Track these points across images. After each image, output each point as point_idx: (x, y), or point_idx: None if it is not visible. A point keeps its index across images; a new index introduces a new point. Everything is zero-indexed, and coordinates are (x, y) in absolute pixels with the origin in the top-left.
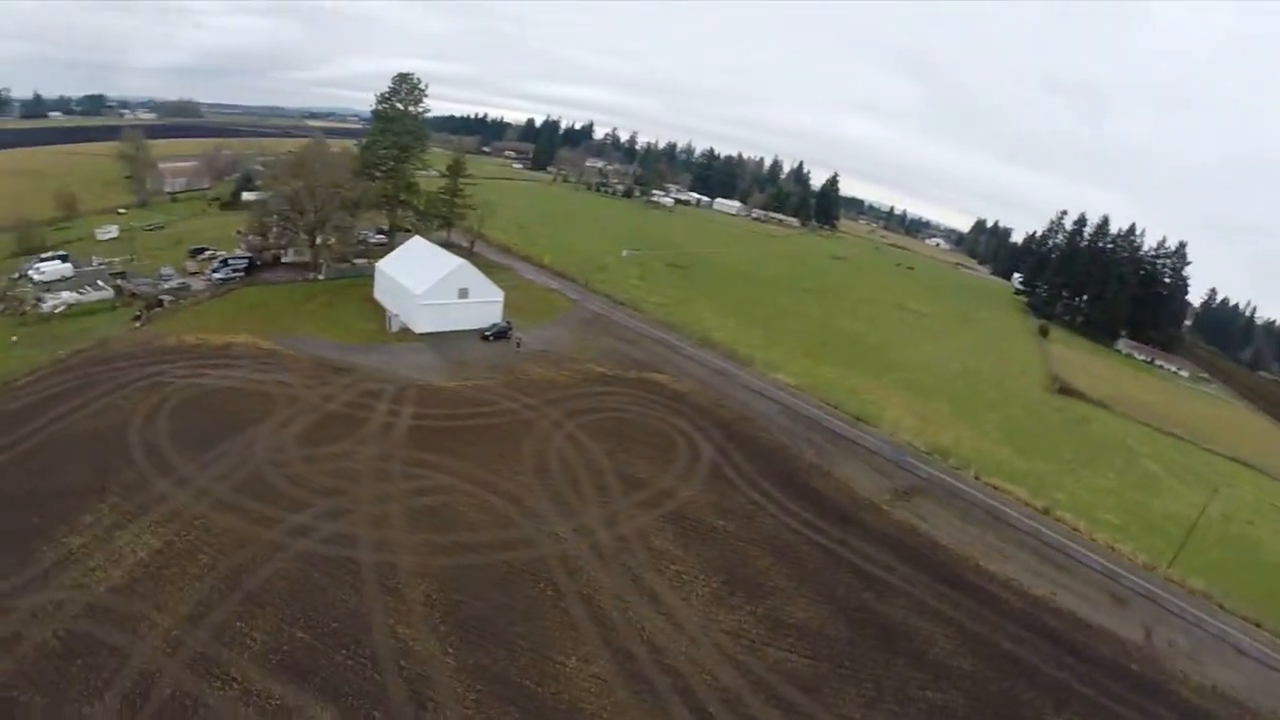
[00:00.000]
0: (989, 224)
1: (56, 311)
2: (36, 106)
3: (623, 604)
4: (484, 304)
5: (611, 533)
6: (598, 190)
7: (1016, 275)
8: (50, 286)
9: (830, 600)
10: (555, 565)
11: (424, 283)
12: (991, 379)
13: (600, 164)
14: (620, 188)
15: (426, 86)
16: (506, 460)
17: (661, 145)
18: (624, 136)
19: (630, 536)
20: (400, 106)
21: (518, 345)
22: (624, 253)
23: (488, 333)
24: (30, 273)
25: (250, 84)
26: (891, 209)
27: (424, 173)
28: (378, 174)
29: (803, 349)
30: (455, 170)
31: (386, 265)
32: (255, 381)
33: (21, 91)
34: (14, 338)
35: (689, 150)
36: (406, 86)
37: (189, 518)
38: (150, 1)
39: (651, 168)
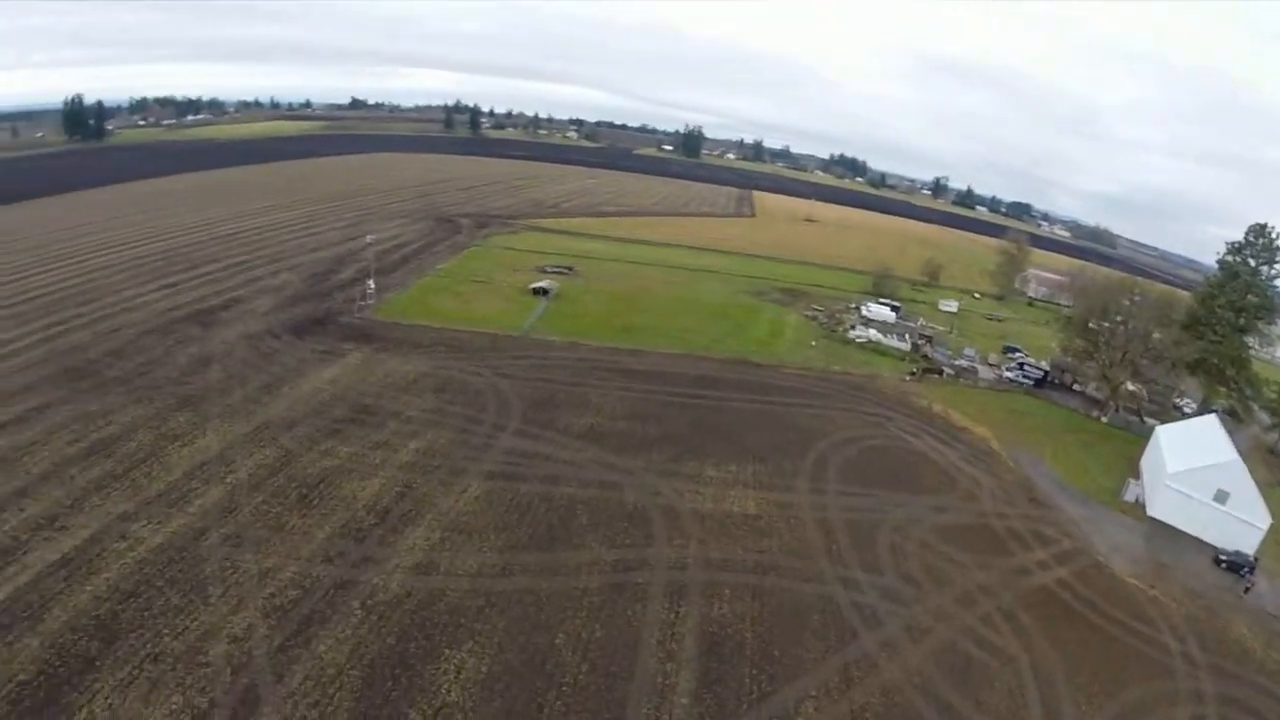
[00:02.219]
0: None
1: (856, 341)
2: (966, 198)
3: None
4: (1239, 521)
5: None
6: None
7: None
8: (868, 322)
9: None
10: None
11: (1182, 462)
12: None
13: None
14: None
15: None
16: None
17: None
18: None
19: None
20: (1250, 263)
21: (1247, 589)
22: None
23: (1223, 557)
24: (861, 307)
25: (1169, 228)
26: None
27: (1271, 351)
28: (1210, 335)
29: None
30: None
31: (1164, 431)
32: (953, 467)
33: (958, 183)
34: (814, 342)
35: None
36: (1262, 241)
37: (793, 512)
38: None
39: None
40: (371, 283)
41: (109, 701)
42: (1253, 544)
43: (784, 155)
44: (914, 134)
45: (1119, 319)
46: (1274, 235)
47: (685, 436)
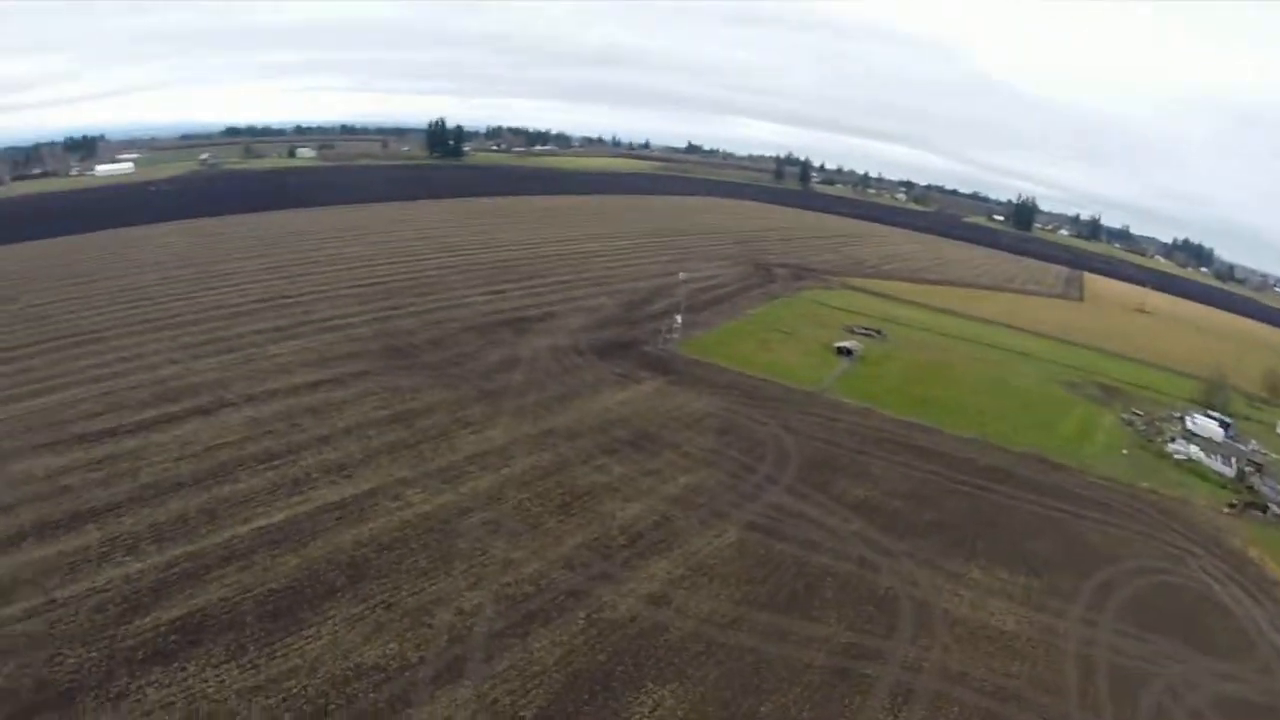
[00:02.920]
0: None
1: (1174, 456)
2: None
3: None
4: None
5: None
6: None
7: None
8: (1190, 437)
9: None
10: None
11: None
12: None
13: None
14: None
15: None
16: None
17: None
18: None
19: None
20: None
21: None
22: None
23: None
24: (1186, 418)
25: None
26: None
27: None
28: None
29: None
30: None
31: None
32: (1257, 628)
33: None
34: (1125, 451)
35: None
36: None
37: (1051, 635)
38: None
39: None
40: (679, 318)
41: (335, 629)
42: None
43: (1122, 235)
44: (1276, 225)
45: None
46: None
47: (960, 528)
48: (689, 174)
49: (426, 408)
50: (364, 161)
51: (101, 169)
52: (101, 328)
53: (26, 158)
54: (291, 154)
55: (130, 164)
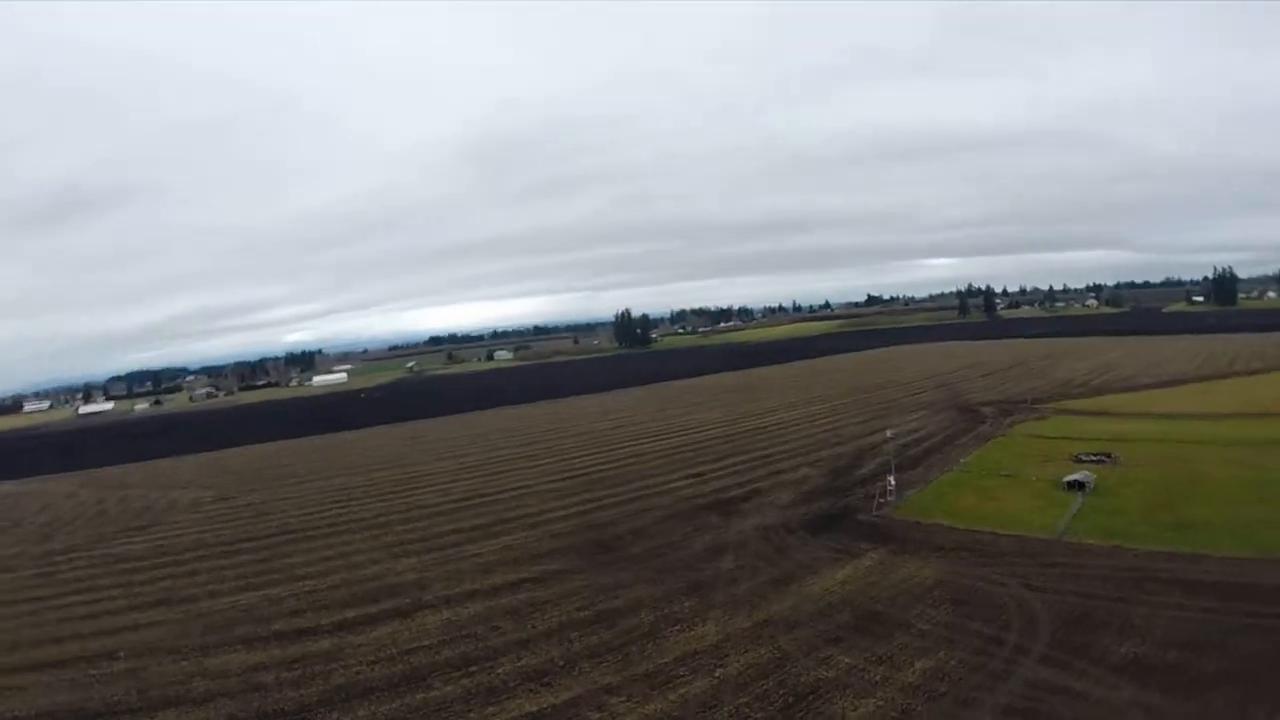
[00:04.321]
0: None
1: None
2: None
3: None
4: None
5: None
6: None
7: None
8: None
9: None
10: None
11: None
12: None
13: None
14: None
15: None
16: None
17: None
18: None
19: None
20: None
21: None
22: None
23: None
24: None
25: None
26: None
27: None
28: None
29: None
30: None
31: None
32: None
33: None
34: None
35: None
36: None
37: None
38: None
39: None
40: (892, 479)
41: None
42: None
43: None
44: None
45: None
46: None
47: (1256, 675)
48: (873, 326)
49: (631, 605)
50: (558, 358)
51: (319, 379)
52: (309, 526)
53: (252, 370)
54: (490, 357)
55: (344, 374)
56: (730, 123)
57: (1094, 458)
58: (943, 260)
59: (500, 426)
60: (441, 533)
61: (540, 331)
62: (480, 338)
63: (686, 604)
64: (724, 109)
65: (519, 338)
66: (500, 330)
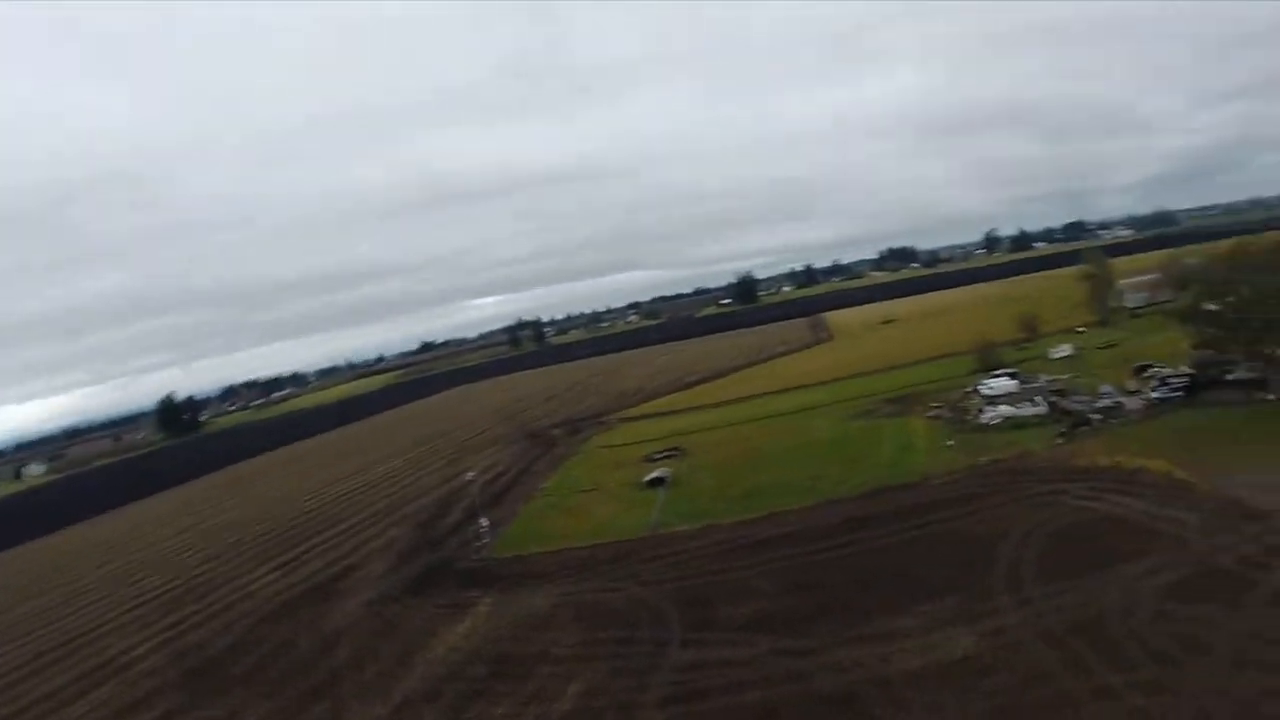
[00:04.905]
0: None
1: (992, 424)
2: (1021, 241)
3: None
4: None
5: None
6: None
7: None
8: (994, 400)
9: None
10: None
11: None
12: None
13: None
14: None
15: None
16: None
17: None
18: None
19: None
20: None
21: None
22: None
23: None
24: (980, 387)
25: (1229, 179)
26: None
27: None
28: None
29: None
30: None
31: None
32: (1149, 516)
33: (1009, 229)
34: (950, 442)
35: None
36: None
37: (1009, 638)
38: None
39: None
40: (484, 519)
41: None
42: None
43: (836, 270)
44: (952, 200)
45: (1243, 288)
46: None
47: (858, 591)
48: (430, 372)
49: None
50: (100, 462)
51: None
52: None
53: None
54: (17, 475)
55: None
56: (287, 170)
57: (664, 454)
58: (492, 299)
59: (52, 561)
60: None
61: (75, 434)
62: (2, 453)
63: (316, 711)
64: (279, 157)
65: (50, 445)
66: (25, 441)
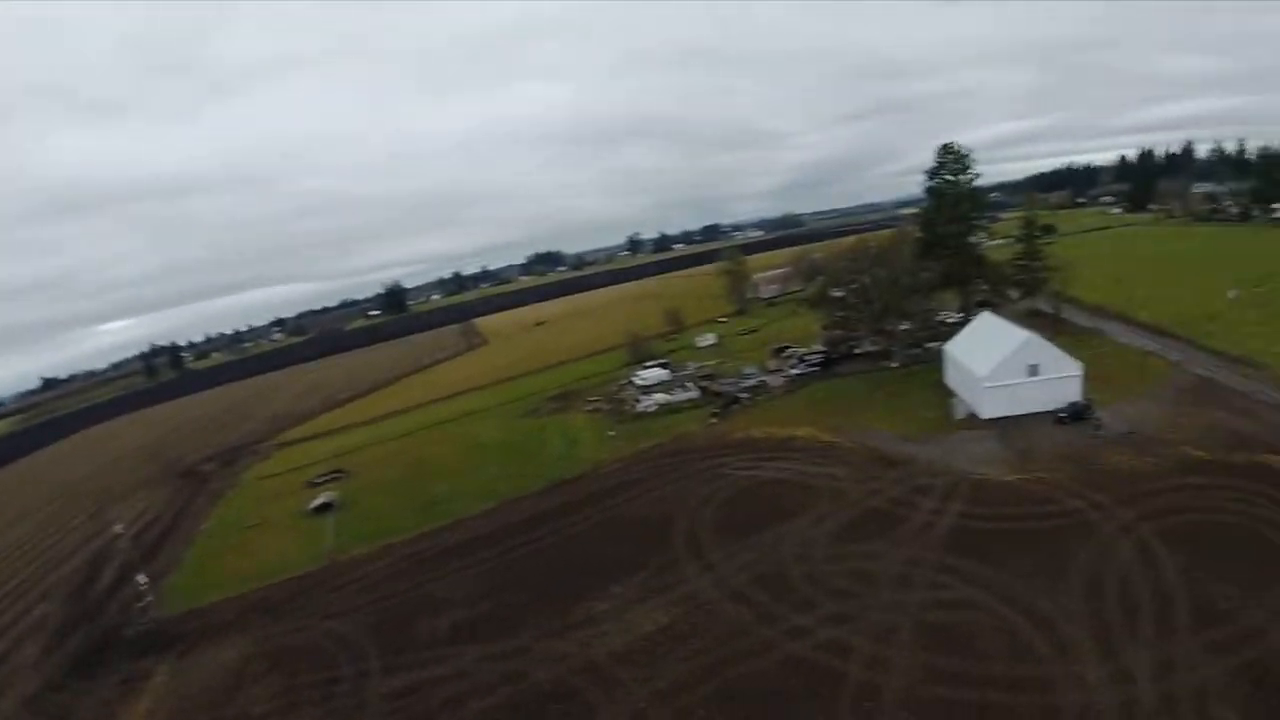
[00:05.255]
0: None
1: (649, 411)
2: (662, 242)
3: None
4: (1058, 380)
5: (1158, 687)
6: (1209, 219)
7: None
8: (649, 389)
9: None
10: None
11: (988, 363)
12: None
13: (1208, 187)
14: (1235, 210)
15: (970, 153)
16: (1052, 574)
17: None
18: (1230, 147)
19: (1183, 696)
20: (950, 179)
21: (1096, 427)
22: (1231, 293)
23: (1063, 414)
24: (634, 379)
25: (845, 187)
26: None
27: (997, 242)
28: (942, 252)
29: None
30: (1028, 231)
31: (953, 347)
32: (806, 475)
33: (650, 232)
34: (612, 432)
35: None
36: (951, 158)
37: (701, 602)
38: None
39: (1271, 176)
40: (142, 576)
41: None
42: (1078, 391)
43: (486, 276)
44: (597, 206)
45: (864, 277)
46: (959, 150)
47: (552, 584)
48: (57, 412)
49: None
50: None
51: None
52: None
53: None
54: None
55: None
56: None
57: (327, 478)
58: (121, 323)
59: None
60: None
61: None
62: None
63: None
64: None
65: None
66: None
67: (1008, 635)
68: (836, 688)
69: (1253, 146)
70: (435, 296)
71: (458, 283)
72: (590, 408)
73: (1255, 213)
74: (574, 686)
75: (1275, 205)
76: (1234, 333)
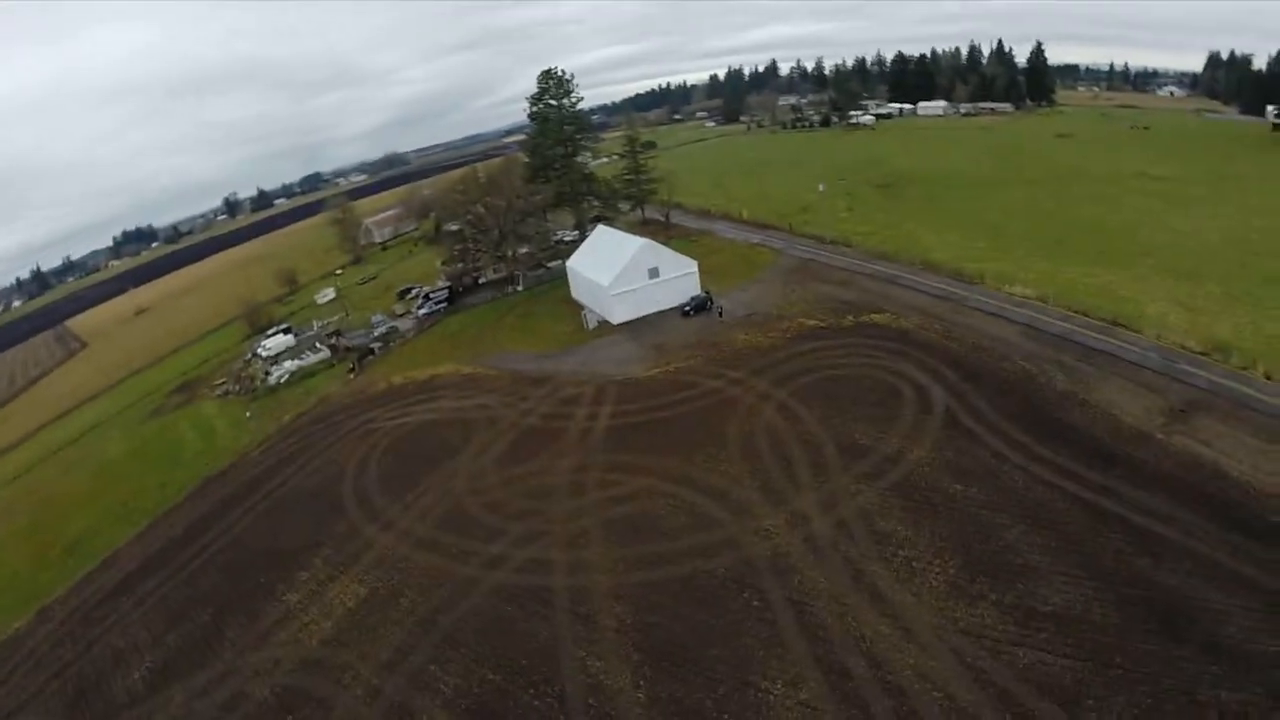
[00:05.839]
0: (1224, 56)
1: (282, 382)
2: (262, 200)
3: (839, 608)
4: (678, 279)
5: (829, 518)
6: (794, 127)
7: (1271, 108)
8: (276, 359)
9: (1095, 574)
10: (763, 568)
11: (611, 272)
12: (1267, 245)
13: (792, 100)
14: (816, 118)
15: (573, 77)
16: (710, 448)
17: (850, 64)
18: (810, 66)
19: (851, 520)
20: (554, 103)
21: (719, 314)
22: (820, 187)
23: (687, 308)
24: (258, 350)
25: (449, 120)
26: (1112, 66)
27: (602, 160)
28: (551, 174)
29: (1038, 250)
30: (631, 148)
31: (575, 262)
32: (457, 410)
33: (247, 190)
34: (248, 414)
35: (880, 62)
36: (553, 82)
37: (393, 562)
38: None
39: (844, 89)
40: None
41: None
42: (697, 285)
43: (71, 267)
44: (184, 168)
45: (477, 207)
46: (561, 74)
47: (236, 591)
48: None
49: None
50: None
51: None
52: None
53: None
54: None
55: None
56: None
57: None
58: None
59: None
60: None
61: None
62: None
63: None
64: None
65: None
66: None
67: (687, 511)
68: (549, 601)
69: (830, 65)
70: (16, 304)
71: (39, 281)
72: (219, 392)
73: (834, 120)
74: (300, 688)
75: (852, 113)
76: (826, 220)
